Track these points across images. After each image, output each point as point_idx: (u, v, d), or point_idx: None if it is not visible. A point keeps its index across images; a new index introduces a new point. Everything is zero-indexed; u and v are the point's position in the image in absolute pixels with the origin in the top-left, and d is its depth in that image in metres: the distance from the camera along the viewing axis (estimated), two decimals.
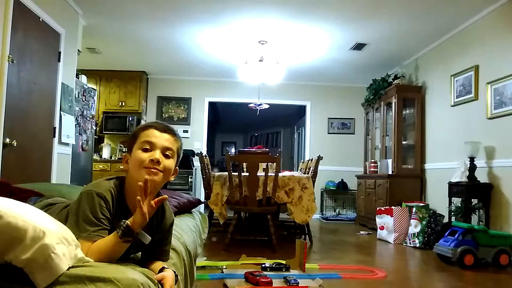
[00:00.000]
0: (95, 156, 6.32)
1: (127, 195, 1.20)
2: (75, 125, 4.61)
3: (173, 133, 1.24)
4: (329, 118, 7.53)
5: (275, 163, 3.94)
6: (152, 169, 1.15)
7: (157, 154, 1.17)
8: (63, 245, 0.93)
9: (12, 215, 0.87)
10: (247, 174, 3.91)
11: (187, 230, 1.90)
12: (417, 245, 4.31)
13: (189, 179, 6.97)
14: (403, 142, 5.60)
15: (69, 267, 0.93)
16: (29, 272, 0.87)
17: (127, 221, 1.07)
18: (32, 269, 0.87)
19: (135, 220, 1.07)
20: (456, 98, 4.72)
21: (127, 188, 1.20)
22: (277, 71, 5.43)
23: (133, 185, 1.16)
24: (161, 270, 1.17)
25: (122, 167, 1.23)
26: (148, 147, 1.18)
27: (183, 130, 7.35)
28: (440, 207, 4.68)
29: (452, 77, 4.79)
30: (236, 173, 3.84)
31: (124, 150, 7.01)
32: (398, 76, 5.87)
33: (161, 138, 1.20)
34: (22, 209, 0.93)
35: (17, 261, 0.86)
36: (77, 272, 0.92)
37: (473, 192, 4.03)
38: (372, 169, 6.14)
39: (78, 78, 4.76)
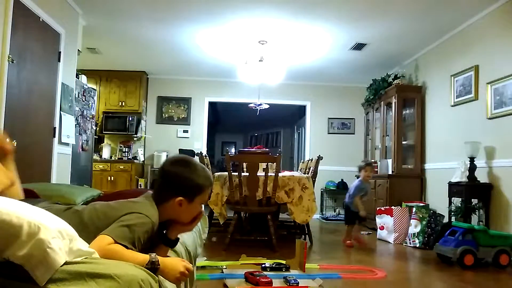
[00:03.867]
0: (95, 156, 6.32)
1: (164, 217, 1.38)
2: (75, 125, 4.61)
3: None
4: (329, 118, 7.53)
5: (275, 163, 3.93)
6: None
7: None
8: (58, 239, 0.93)
9: (6, 213, 0.87)
10: (247, 174, 3.90)
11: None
12: (417, 245, 4.31)
13: None
14: (403, 142, 5.60)
15: (68, 263, 0.93)
16: (28, 269, 0.87)
17: (158, 259, 1.15)
18: (31, 265, 0.87)
19: (165, 265, 1.15)
20: (456, 98, 4.72)
21: (167, 214, 1.38)
22: (277, 71, 5.43)
23: (175, 218, 1.41)
24: None
25: (178, 209, 1.37)
26: None
27: (183, 130, 7.36)
28: (440, 207, 4.67)
29: (452, 77, 4.79)
30: (236, 173, 3.84)
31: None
32: (398, 76, 5.88)
33: None
34: (15, 206, 0.93)
35: (14, 258, 0.86)
36: (77, 268, 0.92)
37: (473, 192, 4.03)
38: None
39: (78, 78, 4.76)
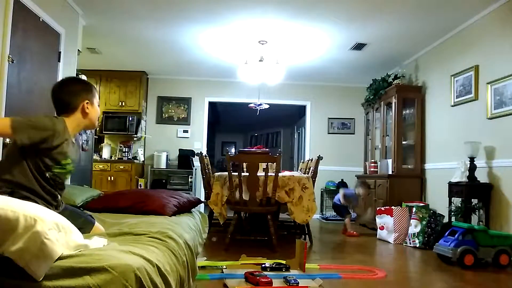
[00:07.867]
0: (95, 156, 6.31)
1: (74, 128, 1.70)
2: None
3: None
4: (329, 118, 7.53)
5: (275, 163, 3.93)
6: None
7: None
8: (55, 230, 0.92)
9: (0, 207, 0.87)
10: (247, 174, 3.90)
11: (187, 229, 1.90)
12: (417, 245, 4.31)
13: (189, 179, 6.97)
14: (403, 142, 5.60)
15: (62, 257, 0.91)
16: (22, 265, 0.85)
17: None
18: (25, 260, 0.85)
19: None
20: (456, 98, 4.72)
21: (78, 124, 1.71)
22: (277, 71, 5.43)
23: (85, 124, 1.75)
24: None
25: (87, 111, 1.72)
26: None
27: (183, 130, 7.35)
28: (440, 207, 4.67)
29: (452, 77, 4.79)
30: (236, 173, 3.84)
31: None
32: (398, 76, 5.87)
33: None
34: (9, 201, 0.92)
35: (8, 253, 0.85)
36: (70, 263, 0.91)
37: (473, 192, 4.03)
38: (372, 169, 6.14)
39: None
